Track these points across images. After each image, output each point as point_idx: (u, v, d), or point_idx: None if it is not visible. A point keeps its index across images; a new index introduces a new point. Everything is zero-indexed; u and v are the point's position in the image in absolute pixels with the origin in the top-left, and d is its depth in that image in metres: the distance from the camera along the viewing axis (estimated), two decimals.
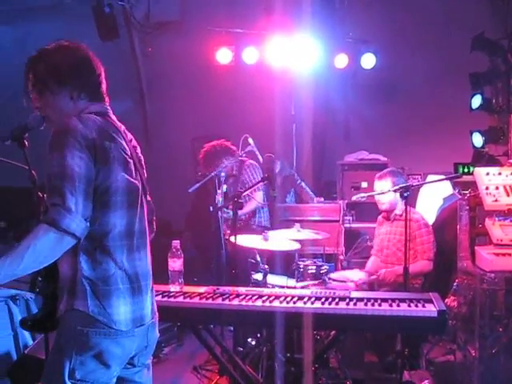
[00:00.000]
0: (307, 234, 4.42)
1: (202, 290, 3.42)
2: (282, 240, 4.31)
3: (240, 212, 4.65)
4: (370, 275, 4.62)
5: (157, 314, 2.32)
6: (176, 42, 7.68)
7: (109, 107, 2.27)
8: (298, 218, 5.58)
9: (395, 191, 4.27)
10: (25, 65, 2.18)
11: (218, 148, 5.52)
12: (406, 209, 3.90)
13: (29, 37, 7.93)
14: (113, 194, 2.07)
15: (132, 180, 2.17)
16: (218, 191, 5.11)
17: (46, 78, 2.13)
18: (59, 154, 1.96)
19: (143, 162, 2.38)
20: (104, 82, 2.26)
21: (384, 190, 4.52)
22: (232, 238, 4.09)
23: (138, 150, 2.37)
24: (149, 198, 2.43)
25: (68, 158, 1.95)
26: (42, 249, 1.90)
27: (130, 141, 2.30)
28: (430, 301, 3.14)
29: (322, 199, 6.35)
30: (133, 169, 2.19)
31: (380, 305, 3.11)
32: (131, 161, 2.19)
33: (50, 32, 7.68)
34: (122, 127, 2.28)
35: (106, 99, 2.27)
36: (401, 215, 4.57)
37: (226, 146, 5.55)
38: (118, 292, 2.07)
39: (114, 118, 2.25)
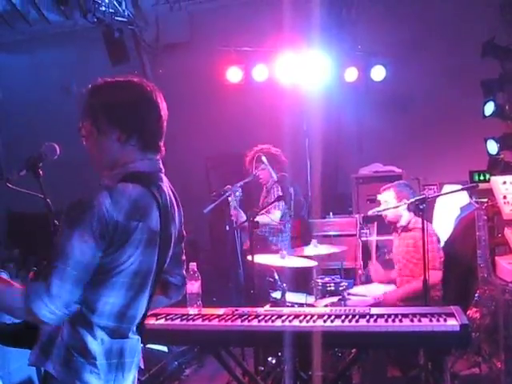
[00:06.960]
0: (325, 249, 4.40)
1: (220, 311, 3.39)
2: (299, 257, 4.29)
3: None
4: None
5: None
6: (186, 63, 7.73)
7: (160, 163, 2.05)
8: (314, 234, 5.55)
9: (411, 204, 4.23)
10: (86, 91, 2.02)
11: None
12: (422, 221, 3.86)
13: (43, 64, 8.06)
14: (115, 275, 1.89)
15: (148, 261, 1.97)
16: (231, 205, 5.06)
17: (98, 113, 1.96)
18: (68, 231, 1.81)
19: (182, 234, 2.18)
20: (163, 129, 2.05)
21: (389, 202, 4.50)
22: (249, 257, 4.09)
23: (179, 217, 2.14)
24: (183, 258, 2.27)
25: (74, 239, 1.79)
26: (6, 307, 1.85)
27: (174, 206, 2.09)
28: (452, 315, 3.09)
29: None
30: (156, 248, 1.98)
31: (401, 321, 3.06)
32: (157, 239, 1.97)
33: (62, 59, 7.83)
34: (167, 191, 2.04)
35: (162, 150, 2.06)
36: (406, 226, 4.53)
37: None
38: (92, 367, 1.89)
39: (163, 176, 2.04)
